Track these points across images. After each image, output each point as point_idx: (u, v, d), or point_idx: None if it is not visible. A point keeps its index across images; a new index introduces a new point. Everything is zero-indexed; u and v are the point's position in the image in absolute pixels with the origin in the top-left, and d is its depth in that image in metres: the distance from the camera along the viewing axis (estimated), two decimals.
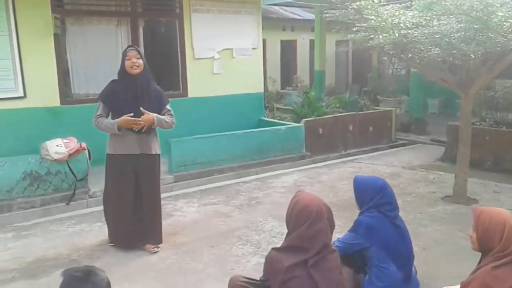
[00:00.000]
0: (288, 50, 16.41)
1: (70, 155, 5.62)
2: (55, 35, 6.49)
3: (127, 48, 4.09)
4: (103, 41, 7.02)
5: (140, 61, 4.02)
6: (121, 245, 4.31)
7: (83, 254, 4.25)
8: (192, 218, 5.21)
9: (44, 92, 6.44)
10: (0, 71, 6.10)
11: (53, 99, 6.53)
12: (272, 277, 2.47)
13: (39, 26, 6.33)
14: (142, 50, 7.28)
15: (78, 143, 5.72)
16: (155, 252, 4.24)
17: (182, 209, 5.54)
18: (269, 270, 2.51)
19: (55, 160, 5.54)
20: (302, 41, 16.72)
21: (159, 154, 4.26)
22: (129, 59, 3.97)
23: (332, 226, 2.52)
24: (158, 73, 7.81)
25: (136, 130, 3.96)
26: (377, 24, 4.72)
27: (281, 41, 16.22)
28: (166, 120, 4.12)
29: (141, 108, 3.93)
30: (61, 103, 6.60)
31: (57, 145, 5.57)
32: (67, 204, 5.56)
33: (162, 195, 5.90)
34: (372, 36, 4.95)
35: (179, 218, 5.24)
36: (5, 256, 4.23)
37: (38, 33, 6.33)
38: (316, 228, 2.43)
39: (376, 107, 10.25)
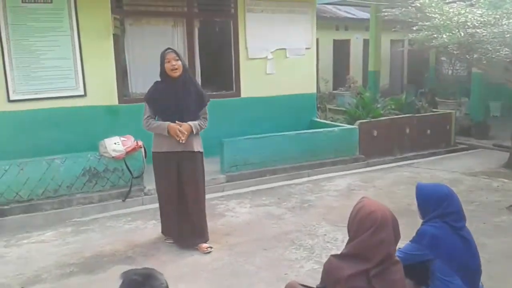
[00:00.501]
0: (341, 50, 16.13)
1: (127, 152, 5.74)
2: (114, 35, 6.66)
3: (165, 51, 4.16)
4: (159, 41, 7.09)
5: (179, 63, 4.10)
6: (170, 235, 4.47)
7: (138, 251, 4.32)
8: (244, 219, 5.18)
9: (103, 91, 6.63)
10: (63, 70, 6.33)
11: (112, 98, 6.71)
12: (330, 286, 2.38)
13: (100, 26, 6.52)
14: (196, 49, 7.43)
15: (135, 141, 5.84)
16: (209, 252, 4.25)
17: (234, 209, 5.52)
18: (328, 278, 2.42)
19: (113, 157, 5.68)
20: (356, 40, 16.38)
21: (201, 152, 4.33)
22: (168, 62, 4.07)
23: (397, 236, 2.39)
24: (212, 73, 7.95)
25: (180, 141, 4.08)
26: (441, 22, 4.49)
27: (334, 40, 15.96)
28: (201, 126, 4.25)
29: (176, 121, 4.08)
30: (119, 102, 6.77)
31: (115, 143, 5.71)
32: (123, 201, 5.68)
33: (214, 195, 6.03)
34: (435, 35, 4.72)
35: (231, 218, 5.22)
36: (65, 250, 4.37)
37: (98, 33, 6.52)
38: (380, 237, 2.32)
39: (434, 110, 9.84)
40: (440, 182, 3.45)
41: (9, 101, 6.03)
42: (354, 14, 16.31)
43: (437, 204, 2.94)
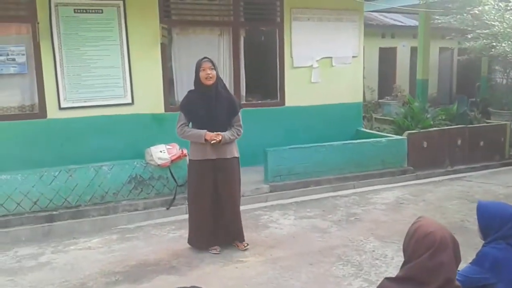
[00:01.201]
0: (387, 57, 15.73)
1: (172, 161, 5.78)
2: (161, 44, 6.73)
3: (202, 59, 4.30)
4: (206, 50, 7.08)
5: (214, 72, 4.25)
6: (198, 246, 4.50)
7: (182, 261, 4.28)
8: (289, 232, 5.06)
9: (150, 99, 6.70)
10: (112, 78, 6.45)
11: (158, 106, 6.77)
12: None
13: (148, 36, 6.61)
14: (242, 58, 7.40)
15: (180, 150, 5.86)
16: (246, 249, 4.41)
17: (278, 221, 5.42)
18: None
19: (158, 165, 5.72)
20: (403, 48, 15.95)
21: (237, 157, 4.45)
22: (203, 70, 4.22)
23: (458, 260, 2.21)
24: (256, 82, 7.90)
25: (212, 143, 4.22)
26: (502, 30, 4.23)
27: (380, 48, 15.60)
28: (231, 137, 4.34)
29: (219, 133, 4.20)
30: (165, 110, 6.82)
31: (161, 151, 5.75)
32: (167, 209, 5.70)
33: (258, 205, 5.98)
34: (494, 43, 4.47)
35: (275, 230, 5.12)
36: (110, 258, 4.40)
37: (146, 42, 6.61)
38: (439, 260, 2.14)
39: (487, 121, 9.39)
40: (491, 197, 3.22)
41: (60, 108, 6.19)
42: (401, 22, 15.91)
43: (501, 225, 2.74)
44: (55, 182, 5.36)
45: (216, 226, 4.44)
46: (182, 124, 4.33)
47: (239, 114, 4.45)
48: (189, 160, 4.46)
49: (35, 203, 5.30)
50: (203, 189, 4.34)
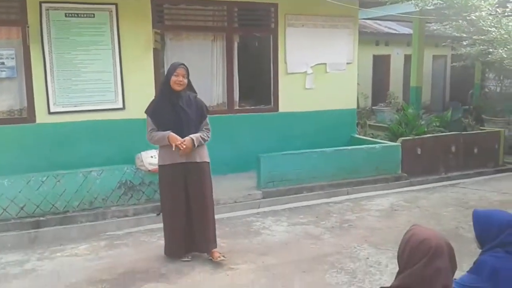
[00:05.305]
0: (380, 65, 15.77)
1: None
2: (154, 49, 6.65)
3: (178, 65, 4.18)
4: (199, 56, 7.09)
5: (185, 80, 4.16)
6: (175, 255, 4.35)
7: (172, 268, 4.17)
8: (281, 238, 4.98)
9: (141, 104, 6.47)
10: (103, 83, 6.36)
11: None
12: None
13: (140, 41, 6.53)
14: (235, 63, 7.34)
15: None
16: (221, 260, 4.21)
17: (270, 227, 5.33)
18: None
19: (149, 170, 5.62)
20: (396, 56, 15.99)
21: (207, 162, 4.33)
22: (176, 76, 4.12)
23: (454, 267, 2.14)
24: (250, 88, 7.84)
25: (179, 153, 4.08)
26: (498, 36, 4.19)
27: (374, 55, 15.63)
28: (204, 137, 4.26)
29: (185, 138, 4.09)
30: None
31: (152, 156, 5.65)
32: (158, 215, 5.55)
33: (250, 211, 5.91)
34: (491, 49, 4.43)
35: (267, 237, 5.03)
36: (98, 265, 4.28)
37: (138, 47, 6.53)
38: (434, 267, 2.07)
39: (481, 127, 9.37)
40: (486, 204, 3.15)
41: (49, 113, 6.09)
42: (395, 29, 15.95)
43: (498, 233, 2.66)
44: (42, 188, 5.25)
45: (190, 234, 4.29)
46: (151, 130, 4.21)
47: (207, 118, 4.38)
48: (159, 166, 4.31)
49: (21, 208, 5.18)
50: (176, 195, 4.21)
